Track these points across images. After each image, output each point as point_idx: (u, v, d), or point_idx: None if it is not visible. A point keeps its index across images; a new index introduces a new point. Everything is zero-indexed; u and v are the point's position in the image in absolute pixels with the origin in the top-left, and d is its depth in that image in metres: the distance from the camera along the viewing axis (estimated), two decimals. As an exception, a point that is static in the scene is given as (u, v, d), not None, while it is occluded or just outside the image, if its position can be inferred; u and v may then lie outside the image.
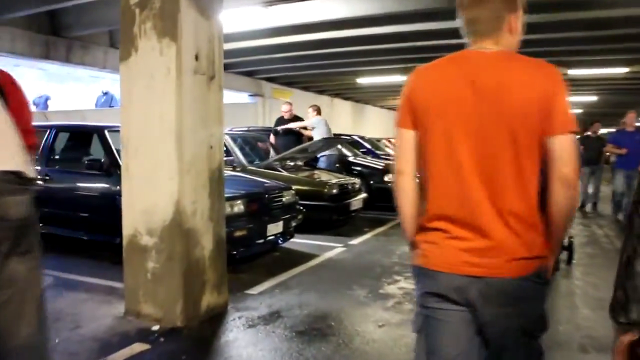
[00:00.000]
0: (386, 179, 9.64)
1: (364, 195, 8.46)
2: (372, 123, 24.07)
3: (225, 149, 8.14)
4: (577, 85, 15.74)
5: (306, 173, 8.27)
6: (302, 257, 5.94)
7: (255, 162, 8.23)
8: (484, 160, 1.55)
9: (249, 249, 5.42)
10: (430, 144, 1.62)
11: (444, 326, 1.63)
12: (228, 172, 6.54)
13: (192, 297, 3.85)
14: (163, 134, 3.71)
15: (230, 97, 15.05)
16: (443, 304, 1.61)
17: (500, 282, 1.54)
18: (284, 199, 6.04)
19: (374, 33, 9.62)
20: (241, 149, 8.52)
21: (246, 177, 6.51)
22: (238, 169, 7.57)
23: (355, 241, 7.02)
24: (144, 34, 3.74)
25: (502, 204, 1.54)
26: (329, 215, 7.46)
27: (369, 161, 10.61)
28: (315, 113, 9.67)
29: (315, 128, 9.47)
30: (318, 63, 12.74)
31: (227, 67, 13.62)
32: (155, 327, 3.71)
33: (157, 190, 3.76)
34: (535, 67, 1.57)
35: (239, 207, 5.21)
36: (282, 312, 4.14)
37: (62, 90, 20.30)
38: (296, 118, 9.83)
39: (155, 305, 3.84)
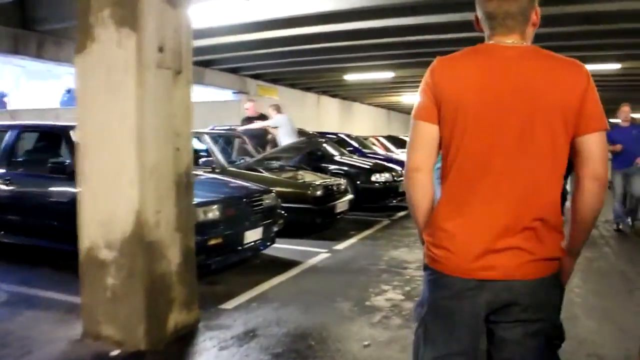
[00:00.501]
0: (373, 179, 9.31)
1: (350, 196, 8.09)
2: (360, 121, 23.72)
3: (204, 149, 7.86)
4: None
5: (289, 174, 7.89)
6: (283, 265, 5.57)
7: (237, 163, 7.86)
8: (516, 159, 1.50)
9: (225, 259, 5.03)
10: (456, 140, 1.54)
11: (452, 322, 1.57)
12: (205, 175, 6.18)
13: (156, 316, 3.46)
14: (122, 135, 3.32)
15: (213, 94, 14.65)
16: (454, 305, 1.55)
17: (516, 285, 1.50)
18: (263, 203, 5.65)
19: (360, 27, 9.30)
20: (222, 149, 8.16)
21: (223, 180, 6.11)
22: (217, 171, 7.20)
23: (341, 246, 6.65)
24: (102, 23, 3.33)
25: (530, 205, 1.50)
26: (312, 218, 7.09)
27: (356, 160, 10.25)
28: (275, 112, 9.42)
29: (280, 127, 9.16)
30: (304, 59, 12.39)
31: (210, 63, 13.36)
32: (115, 352, 3.32)
33: (116, 199, 3.36)
34: (569, 65, 1.54)
35: (213, 213, 4.82)
36: (259, 330, 3.76)
37: (43, 88, 19.76)
38: (262, 116, 9.55)
39: (116, 327, 3.45)
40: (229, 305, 4.28)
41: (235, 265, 5.39)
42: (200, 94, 13.89)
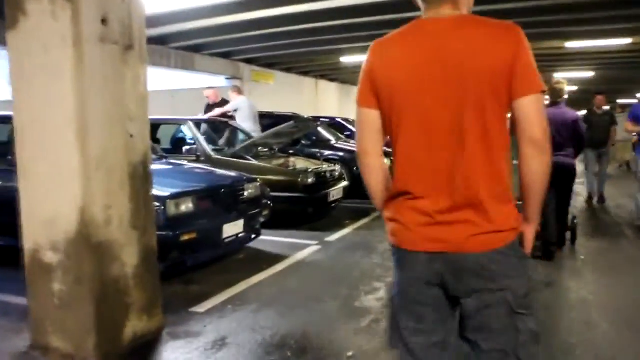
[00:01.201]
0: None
1: (344, 183, 7.65)
2: (361, 105, 23.13)
3: (190, 137, 7.42)
4: (574, 59, 14.88)
5: (280, 161, 7.44)
6: (268, 260, 5.14)
7: (224, 151, 7.42)
8: (453, 132, 1.50)
9: (201, 255, 4.61)
10: (397, 121, 1.57)
11: (417, 308, 1.60)
12: (183, 164, 5.76)
13: (110, 326, 3.05)
14: (62, 121, 2.88)
15: (205, 81, 14.14)
16: (413, 280, 1.58)
17: (467, 257, 1.50)
18: (246, 193, 5.22)
19: (354, 4, 8.77)
20: (209, 137, 7.73)
21: (202, 169, 5.67)
22: (202, 159, 6.77)
23: (333, 237, 6.22)
24: (34, -7, 2.88)
25: (472, 176, 1.49)
26: (303, 208, 6.66)
27: (352, 145, 9.78)
28: (236, 94, 9.01)
29: (238, 110, 8.74)
30: (298, 41, 11.82)
31: (199, 48, 12.77)
32: (63, 367, 2.93)
33: (58, 194, 2.94)
34: (498, 29, 1.50)
35: (186, 205, 4.38)
36: (230, 338, 3.34)
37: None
38: (224, 102, 9.21)
39: (65, 338, 3.05)
40: (201, 308, 3.86)
41: (216, 261, 4.98)
42: (191, 81, 13.45)
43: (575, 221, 5.78)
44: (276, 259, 5.22)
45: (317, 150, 9.07)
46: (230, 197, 4.98)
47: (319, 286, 4.45)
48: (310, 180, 6.73)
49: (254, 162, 6.90)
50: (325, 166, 7.52)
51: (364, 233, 6.54)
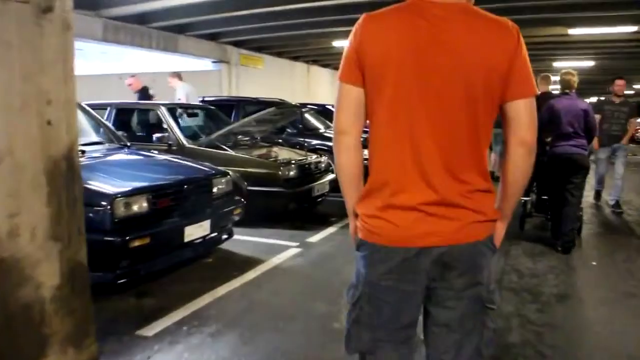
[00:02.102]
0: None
1: (331, 176, 7.01)
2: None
3: (162, 123, 6.72)
4: (574, 48, 14.26)
5: (262, 151, 6.78)
6: (239, 266, 4.50)
7: (200, 140, 6.73)
8: (441, 122, 1.45)
9: (158, 262, 3.96)
10: (381, 102, 1.49)
11: (393, 299, 1.52)
12: (149, 155, 5.10)
13: (18, 364, 2.42)
14: (-49, 103, 2.23)
15: (191, 64, 13.41)
16: (394, 279, 1.50)
17: (455, 249, 1.47)
18: (215, 189, 4.57)
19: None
20: (182, 124, 7.05)
21: (166, 161, 4.97)
22: (174, 148, 6.12)
23: (316, 237, 5.59)
24: None
25: (458, 169, 1.47)
26: (284, 203, 6.02)
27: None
28: (177, 79, 9.07)
29: (185, 98, 8.68)
30: (289, 22, 11.15)
31: (184, 29, 12.00)
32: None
33: (-53, 197, 2.29)
34: (497, 25, 1.46)
35: (140, 204, 3.72)
36: (177, 373, 2.73)
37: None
38: (145, 90, 9.24)
39: (-38, 379, 2.41)
40: (151, 330, 3.23)
41: (180, 267, 4.33)
42: (174, 63, 12.70)
43: (580, 213, 5.44)
44: (249, 264, 4.58)
45: (304, 139, 8.43)
46: (195, 194, 4.32)
47: (293, 300, 3.83)
48: (292, 173, 6.11)
49: (230, 152, 6.24)
50: (311, 157, 6.89)
51: (351, 232, 5.91)
